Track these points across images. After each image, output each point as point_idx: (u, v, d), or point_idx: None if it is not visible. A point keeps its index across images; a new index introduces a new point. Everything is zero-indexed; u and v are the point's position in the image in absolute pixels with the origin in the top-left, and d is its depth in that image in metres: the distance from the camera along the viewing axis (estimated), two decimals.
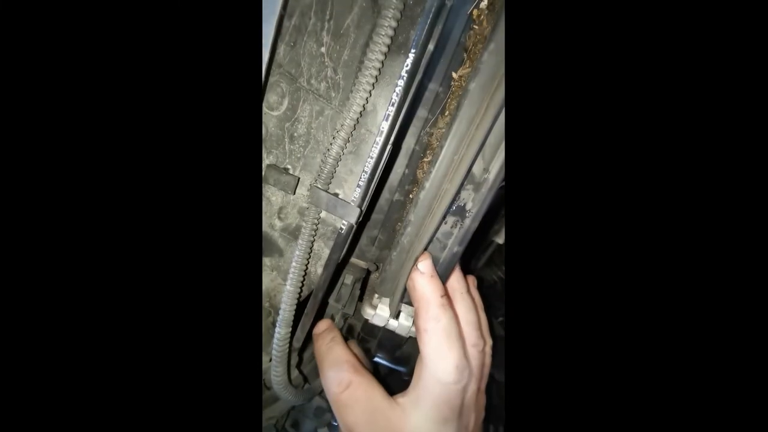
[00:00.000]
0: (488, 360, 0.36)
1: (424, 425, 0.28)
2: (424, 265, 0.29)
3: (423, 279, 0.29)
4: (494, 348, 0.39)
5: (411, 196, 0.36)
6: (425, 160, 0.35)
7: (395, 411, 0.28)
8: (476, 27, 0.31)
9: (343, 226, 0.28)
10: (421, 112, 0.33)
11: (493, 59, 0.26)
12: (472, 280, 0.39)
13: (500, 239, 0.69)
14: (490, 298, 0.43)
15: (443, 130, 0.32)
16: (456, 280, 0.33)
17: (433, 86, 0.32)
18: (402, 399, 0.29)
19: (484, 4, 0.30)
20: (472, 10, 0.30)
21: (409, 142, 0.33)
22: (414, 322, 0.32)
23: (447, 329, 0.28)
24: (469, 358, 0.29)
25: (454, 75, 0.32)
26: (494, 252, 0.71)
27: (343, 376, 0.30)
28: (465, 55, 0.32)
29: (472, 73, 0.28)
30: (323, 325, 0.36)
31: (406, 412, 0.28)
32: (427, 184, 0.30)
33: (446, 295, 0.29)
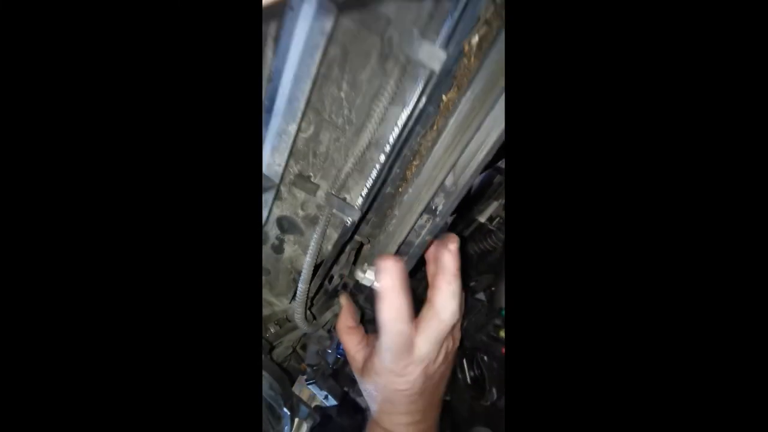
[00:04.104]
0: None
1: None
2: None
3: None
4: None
5: (400, 190, 0.47)
6: (414, 163, 0.45)
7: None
8: (465, 60, 0.39)
9: (348, 221, 0.40)
10: (416, 129, 0.42)
11: (467, 107, 0.36)
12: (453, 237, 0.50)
13: (482, 218, 0.81)
14: (465, 269, 0.56)
15: (429, 144, 0.42)
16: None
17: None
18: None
19: (474, 41, 0.38)
20: (464, 43, 0.38)
21: (403, 150, 0.43)
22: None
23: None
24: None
25: (443, 97, 0.41)
26: (475, 229, 0.83)
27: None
28: (453, 81, 0.40)
29: (451, 111, 0.38)
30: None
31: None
32: (411, 190, 0.41)
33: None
